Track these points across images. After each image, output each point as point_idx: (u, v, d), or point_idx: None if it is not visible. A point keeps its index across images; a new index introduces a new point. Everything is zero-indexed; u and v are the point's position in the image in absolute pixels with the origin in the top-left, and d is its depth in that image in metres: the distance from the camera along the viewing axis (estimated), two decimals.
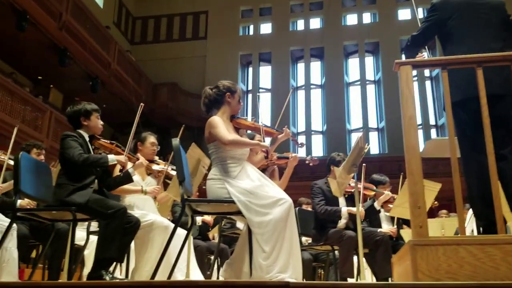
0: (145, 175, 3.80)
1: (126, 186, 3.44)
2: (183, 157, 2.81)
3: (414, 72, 2.34)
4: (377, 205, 4.42)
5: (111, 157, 3.07)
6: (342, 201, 4.35)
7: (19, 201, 3.65)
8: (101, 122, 3.28)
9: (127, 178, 3.23)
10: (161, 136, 4.02)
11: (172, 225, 3.41)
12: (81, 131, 3.18)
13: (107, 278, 2.79)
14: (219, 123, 2.82)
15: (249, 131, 3.30)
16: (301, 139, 16.44)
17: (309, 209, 5.47)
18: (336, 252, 4.25)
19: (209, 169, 3.25)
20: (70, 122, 3.25)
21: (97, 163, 3.02)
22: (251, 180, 2.74)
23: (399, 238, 4.68)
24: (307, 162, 4.03)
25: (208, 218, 4.82)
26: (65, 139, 3.04)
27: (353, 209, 4.17)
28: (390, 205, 4.61)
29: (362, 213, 4.14)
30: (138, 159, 3.37)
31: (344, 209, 4.16)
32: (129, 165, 3.32)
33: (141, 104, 3.54)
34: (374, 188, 4.60)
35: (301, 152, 16.37)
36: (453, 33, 2.66)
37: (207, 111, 2.99)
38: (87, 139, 3.18)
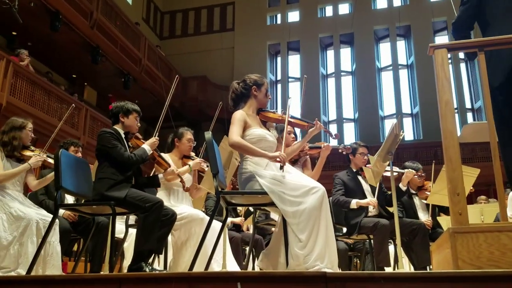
0: (179, 179, 3.89)
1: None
2: (216, 150, 2.83)
3: (448, 55, 2.27)
4: (402, 185, 4.34)
5: (147, 148, 3.24)
6: (367, 187, 4.30)
7: (62, 211, 3.79)
8: (139, 124, 3.39)
9: (155, 183, 3.36)
10: (192, 129, 4.07)
11: (208, 217, 3.46)
12: (117, 128, 3.28)
13: (147, 269, 2.86)
14: (236, 120, 2.81)
15: (279, 124, 3.28)
16: (333, 127, 16.31)
17: None
18: (372, 241, 4.21)
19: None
20: (111, 117, 3.38)
21: (143, 160, 3.18)
22: (279, 171, 2.73)
23: (436, 226, 4.58)
24: (340, 151, 3.99)
25: (238, 220, 4.82)
26: (103, 135, 3.15)
27: (362, 202, 4.11)
28: (427, 192, 4.52)
29: (375, 202, 4.10)
30: (169, 165, 3.45)
31: (354, 201, 4.12)
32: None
33: (177, 76, 3.61)
34: (397, 169, 4.50)
35: (333, 141, 16.25)
36: (490, 14, 2.55)
37: (234, 105, 2.98)
38: (123, 135, 3.26)
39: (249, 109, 2.94)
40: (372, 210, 4.20)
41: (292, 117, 3.04)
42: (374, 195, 4.25)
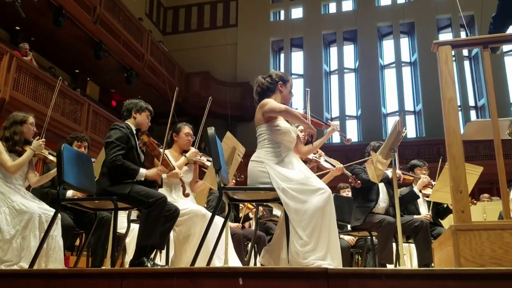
0: (180, 182, 3.92)
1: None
2: (218, 145, 2.82)
3: (452, 52, 2.26)
4: (416, 189, 4.37)
5: (143, 174, 3.10)
6: (381, 185, 4.30)
7: (70, 192, 3.80)
8: (149, 123, 3.42)
9: (155, 183, 3.29)
10: (195, 125, 4.07)
11: (210, 214, 3.46)
12: (129, 123, 3.30)
13: (149, 265, 2.86)
14: (271, 100, 2.88)
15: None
16: (335, 133, 16.23)
17: (345, 194, 5.44)
18: (374, 238, 4.21)
19: (244, 157, 3.27)
20: (123, 112, 3.39)
21: (127, 171, 3.05)
22: (293, 169, 2.74)
23: (437, 224, 4.58)
24: (350, 180, 3.98)
25: (234, 225, 4.81)
26: (113, 130, 3.16)
27: (389, 173, 4.11)
28: (430, 190, 4.52)
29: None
30: (174, 168, 3.47)
31: (388, 171, 4.04)
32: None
33: (176, 88, 3.61)
34: (412, 175, 4.56)
35: (336, 137, 16.23)
36: None
37: (260, 100, 2.99)
38: (134, 131, 3.29)
39: None
40: (381, 207, 4.19)
41: (312, 116, 3.08)
42: (387, 192, 4.27)
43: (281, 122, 2.88)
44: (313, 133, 2.90)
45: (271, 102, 2.85)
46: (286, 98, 3.01)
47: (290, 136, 2.86)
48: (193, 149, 3.87)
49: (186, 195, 3.63)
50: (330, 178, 3.79)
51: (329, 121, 3.16)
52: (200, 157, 3.90)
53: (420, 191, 4.69)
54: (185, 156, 3.80)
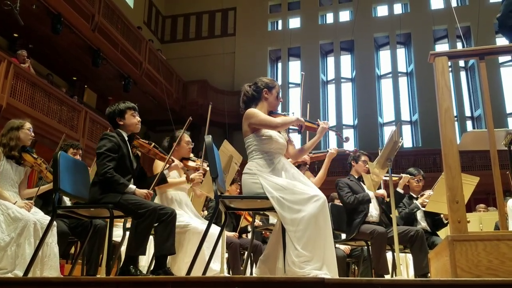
0: (183, 172, 3.88)
1: (171, 180, 3.60)
2: (215, 154, 2.82)
3: (449, 63, 2.28)
4: (399, 189, 4.53)
5: (133, 190, 3.03)
6: (370, 193, 4.31)
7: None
8: (138, 119, 3.27)
9: (161, 180, 3.26)
10: (192, 133, 4.07)
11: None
12: (120, 130, 3.22)
13: (137, 273, 2.81)
14: (259, 111, 2.85)
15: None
16: (332, 134, 16.29)
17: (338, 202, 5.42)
18: (370, 248, 4.21)
19: (241, 166, 3.26)
20: (110, 123, 3.30)
21: (115, 185, 2.98)
22: (286, 175, 2.73)
23: (433, 234, 4.57)
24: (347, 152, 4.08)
25: (231, 235, 4.78)
26: (102, 140, 3.10)
27: (378, 192, 4.31)
28: (426, 200, 4.51)
29: (385, 194, 4.30)
30: (173, 161, 3.42)
31: (371, 193, 4.22)
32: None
33: (190, 118, 3.60)
34: (396, 175, 4.61)
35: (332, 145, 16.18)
36: None
37: (246, 108, 2.97)
38: (126, 138, 3.20)
39: (260, 110, 2.94)
40: (374, 215, 4.20)
41: (305, 120, 3.07)
42: (376, 199, 4.31)
43: (266, 130, 2.84)
44: (301, 123, 2.91)
45: (262, 117, 2.82)
46: (272, 105, 2.99)
47: (278, 143, 2.84)
48: (198, 173, 3.82)
49: (191, 181, 3.71)
50: (329, 164, 3.92)
51: (318, 121, 3.12)
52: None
53: (417, 199, 4.69)
54: (190, 178, 3.79)
